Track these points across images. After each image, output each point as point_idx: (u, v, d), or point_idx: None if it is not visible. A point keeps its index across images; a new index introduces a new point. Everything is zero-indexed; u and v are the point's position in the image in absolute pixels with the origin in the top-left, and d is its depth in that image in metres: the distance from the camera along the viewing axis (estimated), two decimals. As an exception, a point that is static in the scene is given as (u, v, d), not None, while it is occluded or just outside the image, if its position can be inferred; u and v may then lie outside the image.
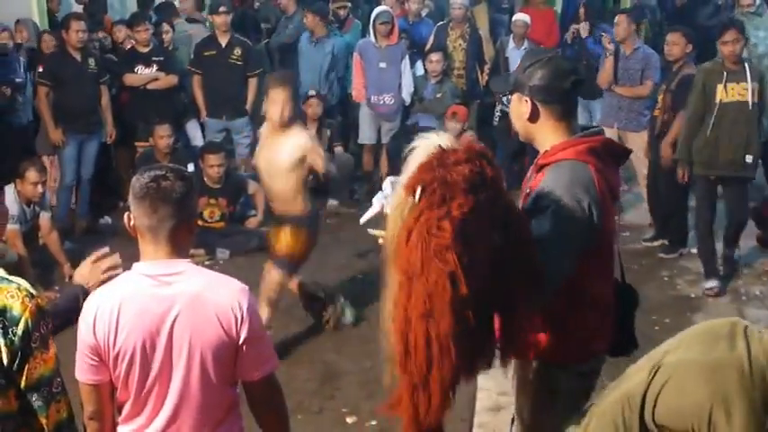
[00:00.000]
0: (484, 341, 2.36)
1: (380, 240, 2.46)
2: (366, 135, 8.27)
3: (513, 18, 8.79)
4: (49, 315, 2.21)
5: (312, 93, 7.85)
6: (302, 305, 5.54)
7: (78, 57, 7.04)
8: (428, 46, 8.47)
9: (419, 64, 8.31)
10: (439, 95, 8.02)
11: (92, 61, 7.16)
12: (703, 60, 6.22)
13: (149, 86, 7.64)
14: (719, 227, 6.18)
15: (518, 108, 2.69)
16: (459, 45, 8.49)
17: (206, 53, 7.84)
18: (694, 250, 6.40)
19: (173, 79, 7.75)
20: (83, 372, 2.33)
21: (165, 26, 8.22)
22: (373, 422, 4.39)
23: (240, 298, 2.30)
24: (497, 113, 8.21)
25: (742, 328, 1.91)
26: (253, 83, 7.86)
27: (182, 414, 2.33)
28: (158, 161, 6.60)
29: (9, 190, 5.79)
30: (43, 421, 2.16)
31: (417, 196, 2.14)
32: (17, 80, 7.08)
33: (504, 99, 7.59)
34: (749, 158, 5.77)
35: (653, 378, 1.91)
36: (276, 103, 4.82)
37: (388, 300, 2.24)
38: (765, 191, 7.42)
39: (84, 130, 7.13)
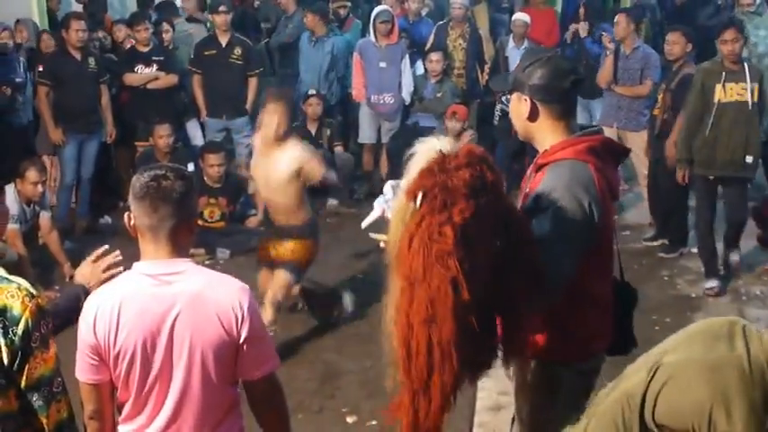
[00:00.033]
0: (486, 345, 2.36)
1: (382, 244, 2.46)
2: (366, 134, 8.28)
3: (513, 18, 8.80)
4: (49, 315, 2.21)
5: (312, 92, 7.85)
6: (303, 305, 5.56)
7: (78, 56, 7.04)
8: (428, 45, 8.47)
9: (419, 63, 8.31)
10: (439, 95, 8.02)
11: (92, 61, 7.16)
12: (703, 60, 6.21)
13: (149, 86, 7.64)
14: (720, 226, 6.18)
15: (517, 107, 2.69)
16: (459, 44, 8.49)
17: (206, 52, 7.84)
18: (695, 250, 6.40)
19: (173, 79, 7.75)
20: (83, 371, 2.33)
21: (165, 25, 8.22)
22: (373, 422, 4.40)
23: (241, 297, 2.30)
24: (497, 113, 8.20)
25: (740, 327, 1.91)
26: (253, 82, 7.86)
27: (182, 413, 2.33)
28: (158, 161, 6.60)
29: (9, 190, 5.79)
30: (44, 421, 2.16)
31: (418, 202, 2.14)
32: (17, 80, 7.08)
33: (504, 98, 7.59)
34: (749, 159, 5.76)
35: (652, 378, 1.91)
36: (272, 119, 4.91)
37: (391, 305, 2.25)
38: (765, 190, 7.41)
39: (85, 130, 7.13)
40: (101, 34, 8.29)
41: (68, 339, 2.42)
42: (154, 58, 7.67)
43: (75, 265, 2.87)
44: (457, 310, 2.11)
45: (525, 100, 2.64)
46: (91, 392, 2.35)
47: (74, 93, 6.98)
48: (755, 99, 5.72)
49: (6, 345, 2.09)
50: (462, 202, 2.11)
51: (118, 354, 2.27)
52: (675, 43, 6.46)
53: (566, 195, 2.48)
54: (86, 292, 2.51)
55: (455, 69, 8.46)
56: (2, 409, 2.13)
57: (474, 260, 2.12)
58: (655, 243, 6.90)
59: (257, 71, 7.93)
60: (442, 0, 9.87)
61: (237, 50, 7.80)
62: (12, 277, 2.19)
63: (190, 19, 9.02)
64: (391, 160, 7.80)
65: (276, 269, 5.07)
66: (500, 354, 2.45)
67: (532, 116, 2.65)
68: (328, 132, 7.94)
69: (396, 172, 2.41)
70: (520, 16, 8.63)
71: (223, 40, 7.82)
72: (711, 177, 5.93)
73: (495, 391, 4.25)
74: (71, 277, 3.33)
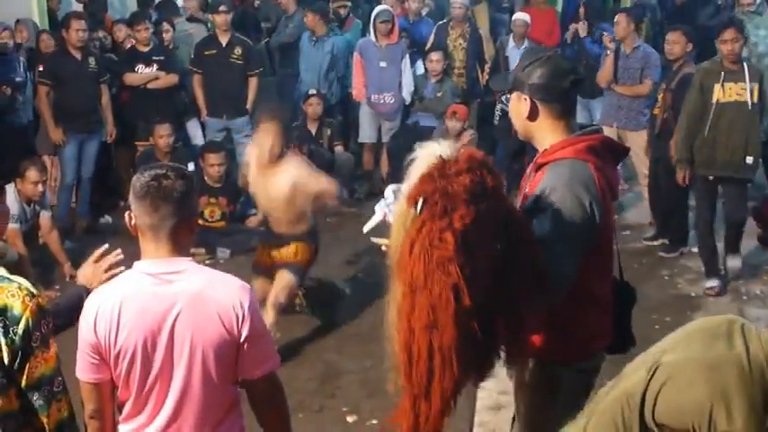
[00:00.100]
0: (487, 349, 2.36)
1: (383, 248, 2.47)
2: (366, 134, 8.28)
3: (513, 17, 8.80)
4: (49, 314, 2.22)
5: (312, 92, 7.86)
6: (302, 305, 5.56)
7: (78, 56, 7.04)
8: (428, 45, 8.47)
9: (419, 63, 8.31)
10: (439, 94, 8.02)
11: (92, 60, 7.16)
12: (704, 60, 6.21)
13: (150, 86, 7.64)
14: (720, 226, 6.18)
15: (517, 107, 2.69)
16: (460, 44, 8.49)
17: (206, 52, 7.84)
18: (695, 249, 6.40)
19: (173, 78, 7.75)
20: (84, 370, 2.33)
21: (166, 25, 8.22)
22: (374, 421, 4.40)
23: (241, 296, 2.30)
24: (498, 112, 8.20)
25: (739, 325, 1.91)
26: (253, 82, 7.86)
27: (183, 412, 2.33)
28: (159, 160, 6.59)
29: (9, 189, 5.79)
30: (44, 420, 2.16)
31: (419, 208, 2.15)
32: (17, 80, 7.08)
33: (504, 98, 7.58)
34: (749, 160, 5.74)
35: (652, 377, 1.91)
36: (266, 139, 4.92)
37: (392, 310, 2.25)
38: (765, 190, 7.41)
39: (85, 130, 7.13)
40: (101, 34, 8.29)
41: (69, 339, 2.42)
42: (154, 57, 7.66)
43: (76, 264, 2.88)
44: (458, 316, 2.12)
45: (525, 99, 2.65)
46: (91, 392, 2.35)
47: (74, 92, 6.98)
48: (755, 99, 5.70)
49: (7, 344, 2.10)
50: (463, 208, 2.11)
51: (118, 353, 2.27)
52: (676, 43, 6.46)
53: (566, 195, 2.49)
54: (88, 293, 2.50)
55: (455, 69, 8.46)
56: (2, 409, 2.13)
57: (475, 265, 2.13)
58: (655, 242, 6.90)
59: (257, 71, 7.93)
60: (442, 0, 9.88)
61: (238, 50, 7.80)
62: (12, 277, 2.19)
63: (190, 18, 9.02)
64: (391, 160, 7.81)
65: (279, 271, 5.07)
66: (502, 354, 2.45)
67: (532, 115, 2.65)
68: (329, 132, 7.94)
69: (396, 172, 2.41)
70: (520, 16, 8.63)
71: (223, 40, 7.81)
72: (711, 177, 5.93)
73: (496, 391, 4.26)
74: (72, 277, 3.34)
